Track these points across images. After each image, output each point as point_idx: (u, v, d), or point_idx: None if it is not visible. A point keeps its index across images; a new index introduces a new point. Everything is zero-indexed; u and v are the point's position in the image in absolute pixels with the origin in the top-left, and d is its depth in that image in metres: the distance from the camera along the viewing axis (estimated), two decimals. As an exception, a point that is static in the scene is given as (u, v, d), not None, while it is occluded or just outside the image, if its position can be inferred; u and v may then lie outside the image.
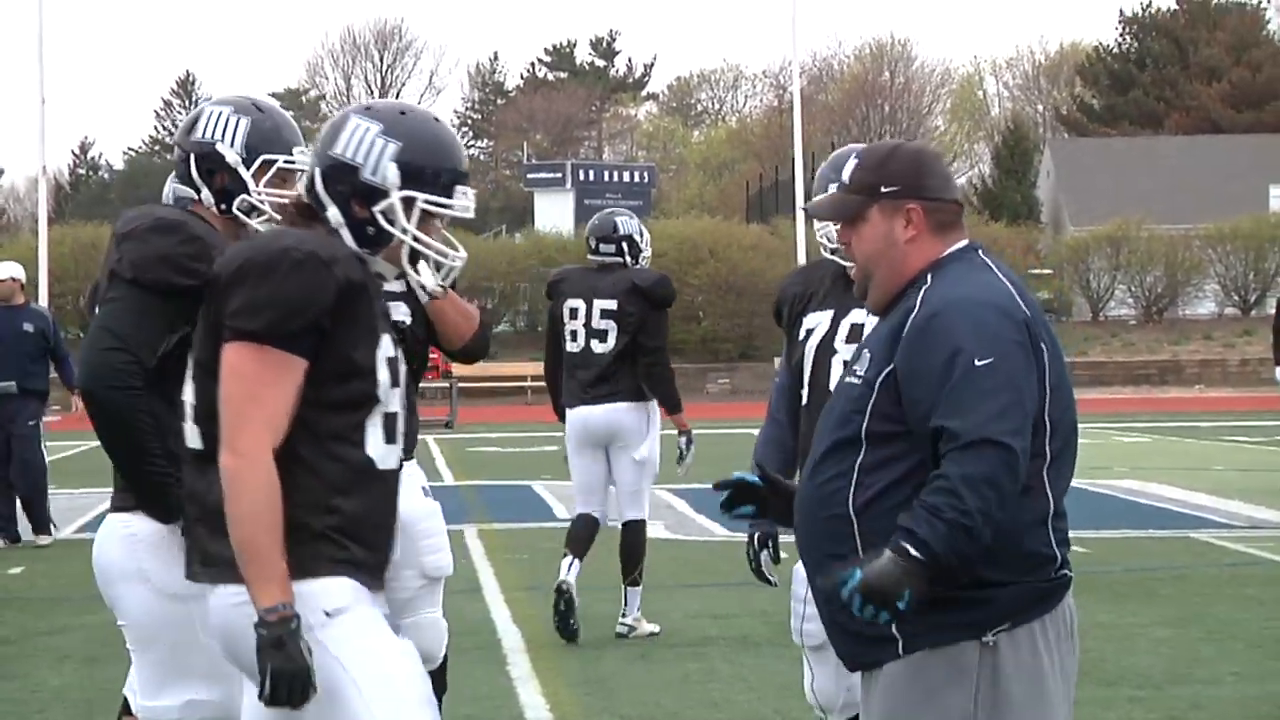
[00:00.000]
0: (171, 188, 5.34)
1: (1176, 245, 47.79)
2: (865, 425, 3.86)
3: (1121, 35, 74.86)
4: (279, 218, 4.99)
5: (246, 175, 4.91)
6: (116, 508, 4.82)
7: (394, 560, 6.58)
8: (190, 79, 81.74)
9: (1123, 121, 70.89)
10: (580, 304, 9.72)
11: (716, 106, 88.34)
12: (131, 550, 4.72)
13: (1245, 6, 73.13)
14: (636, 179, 59.67)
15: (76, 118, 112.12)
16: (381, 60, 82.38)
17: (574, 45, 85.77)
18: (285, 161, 4.94)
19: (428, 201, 3.98)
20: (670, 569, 12.15)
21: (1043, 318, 3.92)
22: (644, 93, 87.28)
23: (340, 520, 3.90)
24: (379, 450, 3.94)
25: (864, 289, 4.05)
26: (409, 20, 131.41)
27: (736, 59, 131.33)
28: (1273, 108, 68.22)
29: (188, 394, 4.01)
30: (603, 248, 9.82)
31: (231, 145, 4.92)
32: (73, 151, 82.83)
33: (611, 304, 9.66)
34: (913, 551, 3.67)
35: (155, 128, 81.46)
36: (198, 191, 4.95)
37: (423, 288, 4.11)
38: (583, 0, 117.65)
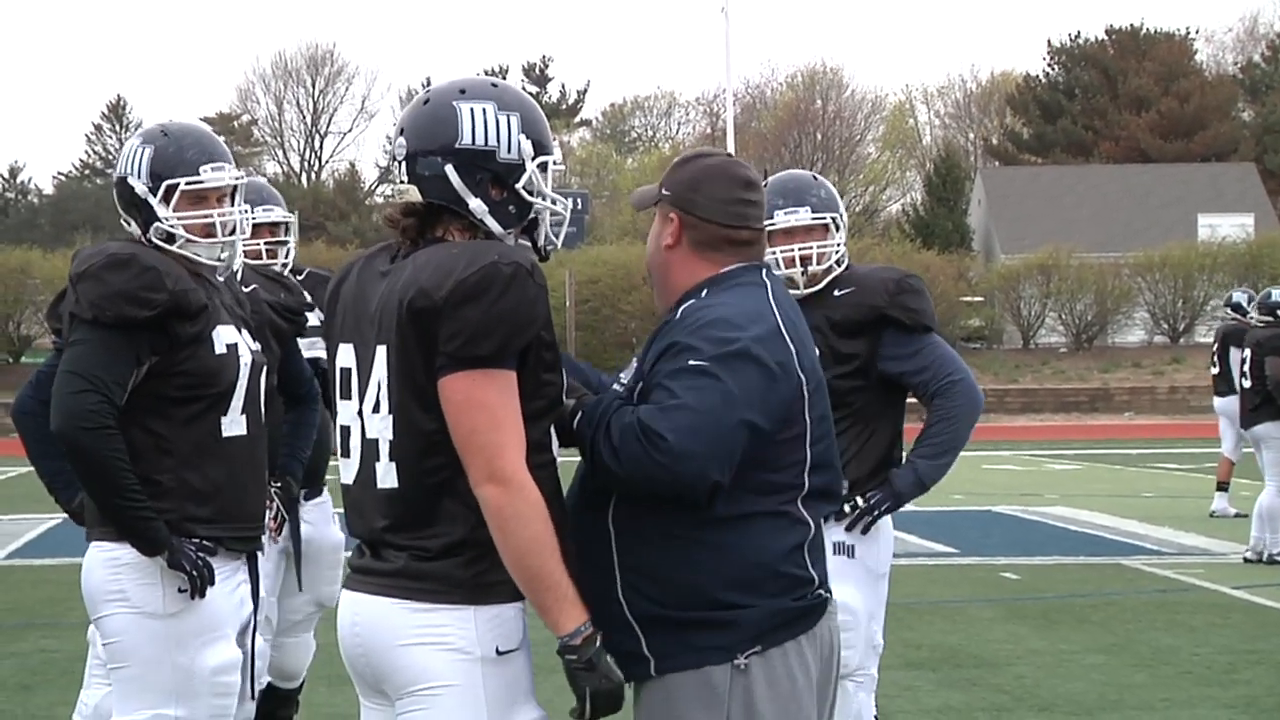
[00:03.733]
0: None
1: (1106, 273, 48.10)
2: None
3: (1050, 65, 75.45)
4: (195, 239, 4.96)
5: (154, 203, 4.92)
6: (99, 538, 4.89)
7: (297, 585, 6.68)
8: (121, 103, 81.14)
9: (1052, 150, 71.42)
10: None
11: (650, 133, 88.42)
12: (114, 573, 4.83)
13: (1173, 36, 73.65)
14: (570, 205, 59.65)
15: (6, 141, 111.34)
16: (313, 85, 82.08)
17: (506, 71, 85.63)
18: (187, 184, 4.92)
19: (555, 162, 3.86)
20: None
21: (812, 354, 3.86)
22: (577, 119, 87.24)
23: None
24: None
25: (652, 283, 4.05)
26: (341, 45, 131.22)
27: (670, 86, 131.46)
28: (1200, 137, 68.86)
29: (382, 429, 3.74)
30: None
31: (139, 177, 4.95)
32: (2, 175, 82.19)
33: None
34: None
35: (86, 151, 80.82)
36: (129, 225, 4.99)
37: (556, 247, 3.96)
38: (515, 26, 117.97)
